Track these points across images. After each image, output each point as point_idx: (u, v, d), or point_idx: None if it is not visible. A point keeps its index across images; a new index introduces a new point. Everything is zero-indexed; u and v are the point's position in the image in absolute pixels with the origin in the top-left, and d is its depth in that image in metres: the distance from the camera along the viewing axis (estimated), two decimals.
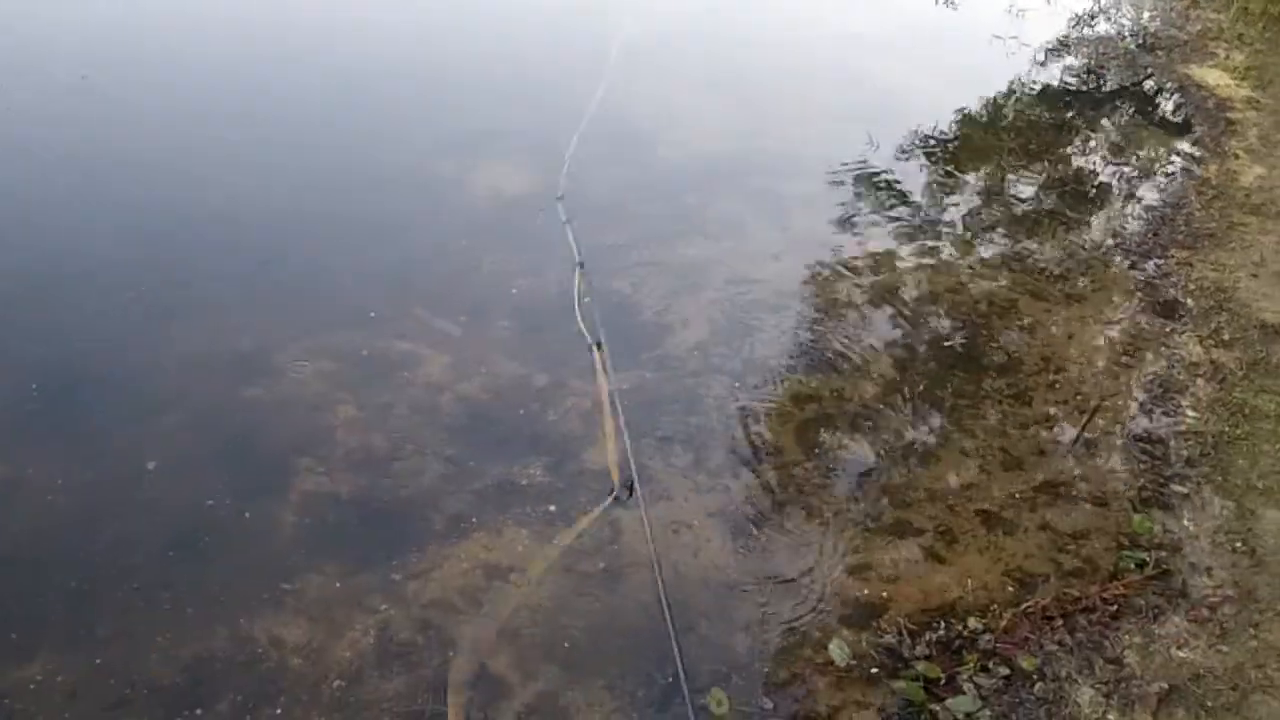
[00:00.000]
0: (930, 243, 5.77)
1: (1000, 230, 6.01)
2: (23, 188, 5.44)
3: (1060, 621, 3.57)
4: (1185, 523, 4.04)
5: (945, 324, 5.11)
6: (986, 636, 3.49)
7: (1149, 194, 6.52)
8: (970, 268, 5.57)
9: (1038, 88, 7.95)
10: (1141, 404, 4.71)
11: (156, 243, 5.08)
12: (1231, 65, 8.21)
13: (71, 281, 4.72)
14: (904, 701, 3.26)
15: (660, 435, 4.22)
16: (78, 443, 3.87)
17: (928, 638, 3.48)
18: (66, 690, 3.01)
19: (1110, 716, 3.27)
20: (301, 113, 6.58)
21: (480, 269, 5.12)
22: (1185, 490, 4.20)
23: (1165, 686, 3.35)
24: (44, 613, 3.22)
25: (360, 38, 7.69)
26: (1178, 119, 7.57)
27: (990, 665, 3.39)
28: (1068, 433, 4.50)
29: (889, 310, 5.16)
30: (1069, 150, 7.06)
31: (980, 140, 7.08)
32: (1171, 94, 7.88)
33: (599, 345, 4.61)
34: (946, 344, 4.97)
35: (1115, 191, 6.58)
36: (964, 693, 3.29)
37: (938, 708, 3.23)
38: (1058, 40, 8.80)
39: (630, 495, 3.86)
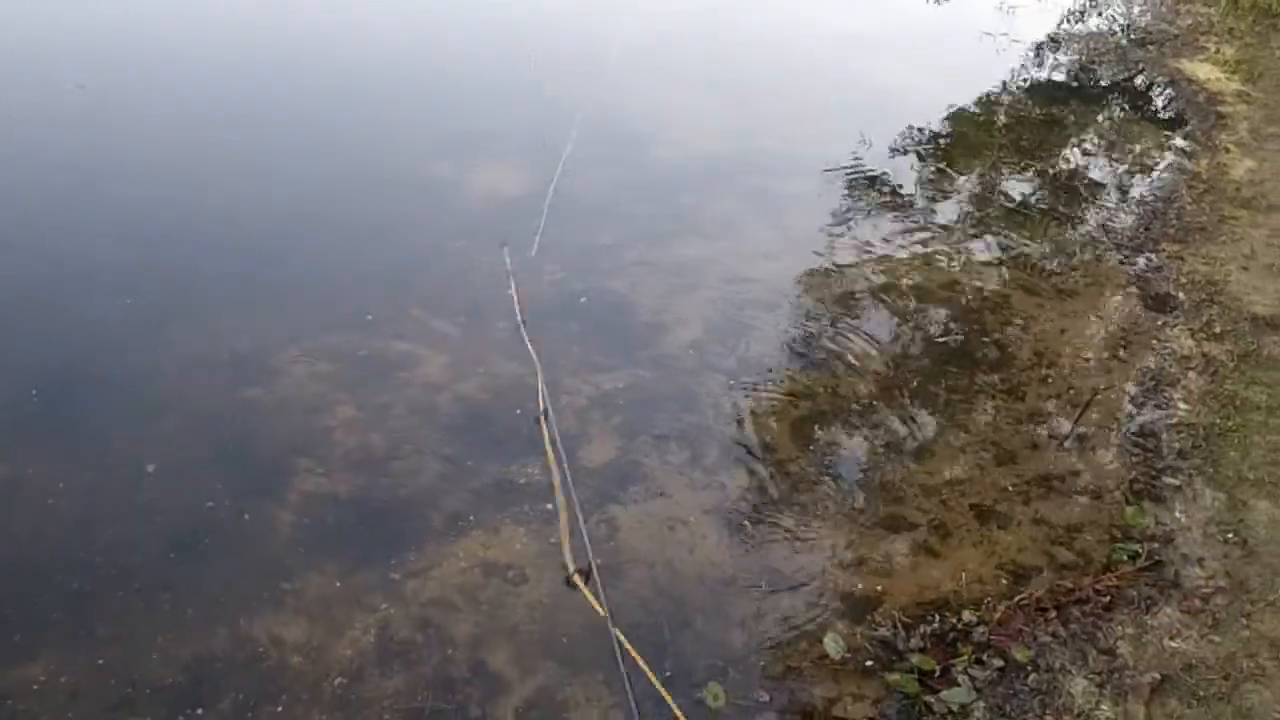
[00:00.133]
0: (923, 239, 5.81)
1: (992, 226, 6.04)
2: (22, 192, 5.46)
3: (1054, 613, 3.60)
4: (1177, 514, 4.07)
5: (938, 320, 5.15)
6: (980, 629, 3.52)
7: (1140, 188, 6.57)
8: (963, 264, 5.60)
9: (1029, 84, 7.99)
10: (1133, 397, 4.74)
11: (155, 245, 5.11)
12: (1222, 59, 8.25)
13: (71, 285, 4.75)
14: (899, 694, 3.29)
15: (656, 433, 4.25)
16: (78, 446, 3.89)
17: (922, 631, 3.51)
18: (69, 690, 3.03)
19: (1103, 707, 3.29)
20: (298, 116, 6.62)
21: (478, 269, 5.16)
22: (1177, 482, 4.23)
23: (1158, 676, 3.38)
24: (45, 614, 3.24)
25: (357, 40, 7.72)
26: (1169, 114, 7.61)
27: (984, 657, 3.42)
28: (1060, 427, 4.53)
29: (883, 307, 5.20)
30: (1060, 146, 7.10)
31: (972, 137, 7.12)
32: (1162, 89, 7.93)
33: (545, 414, 4.14)
34: (940, 340, 5.01)
35: (1106, 186, 6.62)
36: (958, 685, 3.31)
37: (932, 700, 3.26)
38: (1048, 36, 8.84)
39: (587, 581, 3.48)
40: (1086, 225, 6.11)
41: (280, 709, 3.04)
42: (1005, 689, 3.34)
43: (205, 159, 5.83)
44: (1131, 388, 4.80)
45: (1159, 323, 5.21)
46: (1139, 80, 8.12)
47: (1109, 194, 6.54)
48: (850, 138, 6.78)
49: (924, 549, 3.85)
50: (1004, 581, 3.74)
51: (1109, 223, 6.16)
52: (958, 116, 7.37)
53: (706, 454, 4.18)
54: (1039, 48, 8.60)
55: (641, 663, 3.25)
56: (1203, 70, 8.09)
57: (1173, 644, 3.52)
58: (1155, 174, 6.74)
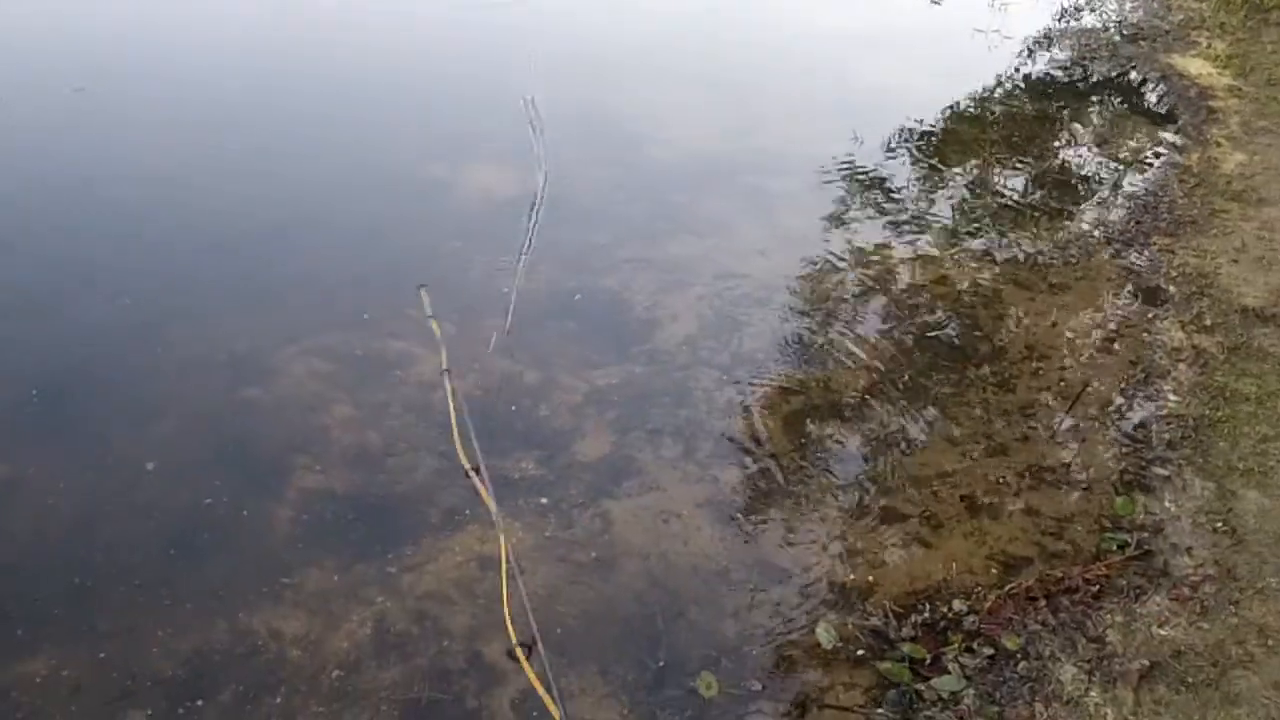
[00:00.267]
0: (915, 235, 5.85)
1: (984, 221, 6.08)
2: (22, 194, 5.52)
3: (1043, 602, 3.64)
4: (1167, 504, 4.11)
5: (930, 314, 5.19)
6: (971, 618, 3.56)
7: (1132, 183, 6.60)
8: (954, 259, 5.64)
9: (1021, 80, 8.03)
10: (1124, 389, 4.78)
11: (153, 247, 5.16)
12: (1213, 54, 8.29)
13: (71, 286, 4.80)
14: (890, 682, 3.33)
15: (650, 428, 4.29)
16: (78, 445, 3.94)
17: (913, 620, 3.56)
18: (71, 684, 3.08)
19: (1092, 693, 3.33)
20: (296, 118, 6.66)
21: (473, 268, 5.21)
22: (1167, 472, 4.27)
23: (1146, 663, 3.42)
24: (48, 610, 3.29)
25: (354, 43, 7.76)
26: (1160, 108, 7.65)
27: (975, 646, 3.46)
28: (1051, 419, 4.57)
29: (875, 301, 5.24)
30: (1052, 141, 7.14)
31: (964, 133, 7.15)
32: (1154, 84, 7.96)
33: (477, 470, 3.86)
34: (931, 334, 5.04)
35: (1098, 181, 6.66)
36: (949, 673, 3.36)
37: (923, 687, 3.31)
38: (1040, 33, 8.88)
39: (529, 654, 3.27)
40: (1078, 219, 6.15)
41: (279, 700, 3.09)
42: (995, 676, 3.38)
43: (204, 161, 5.88)
44: (1122, 380, 4.84)
45: (1149, 315, 5.25)
46: (1130, 76, 8.16)
47: (1100, 188, 6.58)
48: (842, 135, 6.82)
49: (915, 540, 3.89)
50: (994, 571, 3.78)
51: (1100, 217, 6.19)
52: (950, 113, 7.41)
53: (700, 448, 4.22)
54: (1031, 44, 8.64)
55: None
56: (1194, 65, 8.13)
57: (1161, 631, 3.56)
58: (1146, 168, 6.77)
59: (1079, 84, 8.09)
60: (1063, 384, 4.76)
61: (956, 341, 5.00)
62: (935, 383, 4.71)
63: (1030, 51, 8.54)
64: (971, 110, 7.52)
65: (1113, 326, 5.21)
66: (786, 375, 4.68)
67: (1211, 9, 9.11)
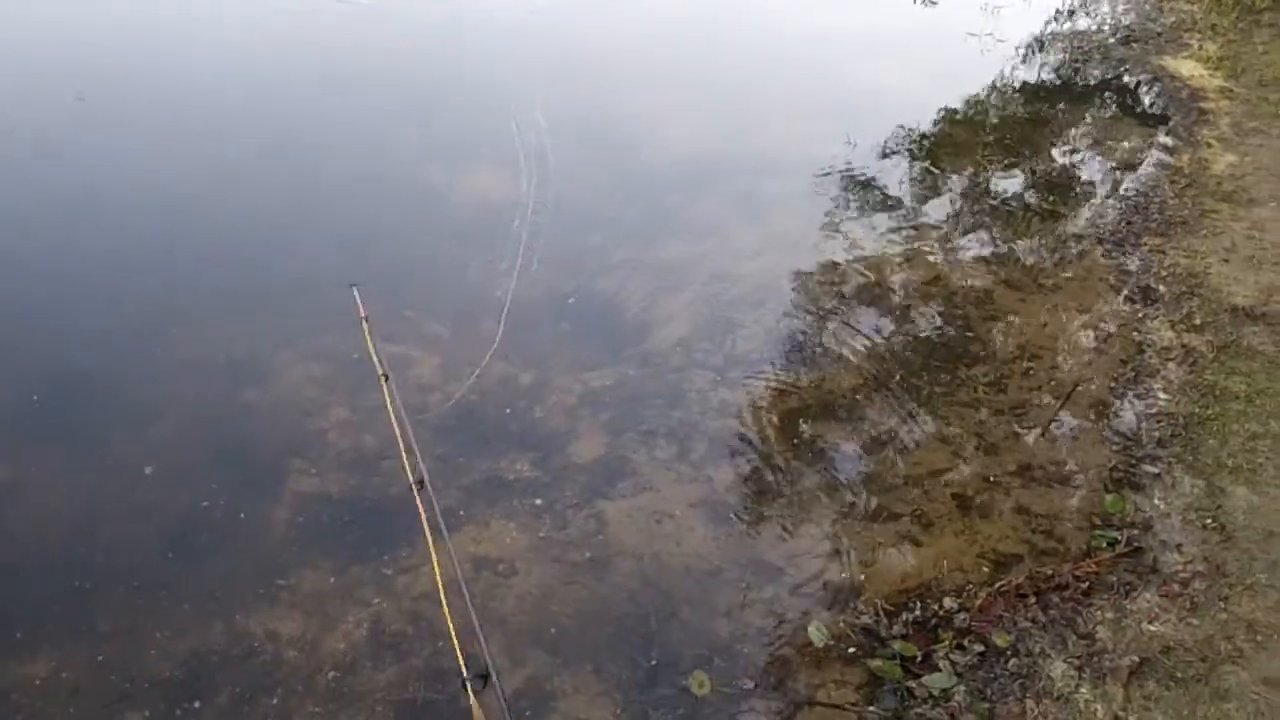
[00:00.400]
0: (908, 236, 5.89)
1: (976, 223, 6.12)
2: (23, 202, 5.56)
3: (1034, 599, 3.67)
4: (1157, 501, 4.14)
5: (922, 315, 5.22)
6: (962, 615, 3.59)
7: (1123, 183, 6.63)
8: (947, 260, 5.68)
9: (1014, 83, 8.07)
10: (1114, 388, 4.81)
11: (152, 253, 5.20)
12: (1205, 56, 8.33)
13: (71, 292, 4.84)
14: (881, 680, 3.35)
15: (644, 429, 4.33)
16: (77, 449, 3.98)
17: (904, 618, 3.59)
18: (70, 686, 3.11)
19: (1082, 689, 3.36)
20: (296, 126, 6.70)
21: (469, 272, 5.24)
22: (1157, 470, 4.30)
23: (1136, 659, 3.44)
24: (47, 612, 3.33)
25: (353, 50, 7.81)
26: (1152, 110, 7.69)
27: (965, 643, 3.49)
28: (1042, 418, 4.60)
29: (867, 303, 5.28)
30: (1044, 143, 7.17)
31: (957, 136, 7.20)
32: (1146, 85, 8.00)
33: (421, 484, 3.64)
34: (923, 334, 5.08)
35: (1089, 182, 6.69)
36: (940, 670, 3.39)
37: (914, 685, 3.34)
38: (1033, 36, 8.93)
39: (485, 685, 3.10)
40: (1069, 221, 6.19)
41: (275, 701, 3.12)
42: (986, 673, 3.41)
43: (203, 168, 5.92)
44: (1112, 379, 4.87)
45: (1140, 315, 5.28)
46: (1123, 78, 8.20)
47: (1091, 189, 6.61)
48: (836, 137, 6.86)
49: (906, 538, 3.92)
50: (985, 569, 3.81)
51: (1091, 218, 6.23)
52: (943, 116, 7.45)
53: (693, 449, 4.25)
54: (1023, 47, 8.69)
55: None
56: (1186, 67, 8.17)
57: (1151, 628, 3.59)
58: (1138, 169, 6.81)
59: (1071, 86, 8.13)
60: (1054, 383, 4.80)
61: (948, 342, 5.04)
62: (927, 383, 4.74)
63: (1023, 55, 8.58)
64: (965, 113, 7.56)
65: (1103, 326, 5.24)
66: (779, 376, 4.71)
67: (1203, 11, 9.16)
